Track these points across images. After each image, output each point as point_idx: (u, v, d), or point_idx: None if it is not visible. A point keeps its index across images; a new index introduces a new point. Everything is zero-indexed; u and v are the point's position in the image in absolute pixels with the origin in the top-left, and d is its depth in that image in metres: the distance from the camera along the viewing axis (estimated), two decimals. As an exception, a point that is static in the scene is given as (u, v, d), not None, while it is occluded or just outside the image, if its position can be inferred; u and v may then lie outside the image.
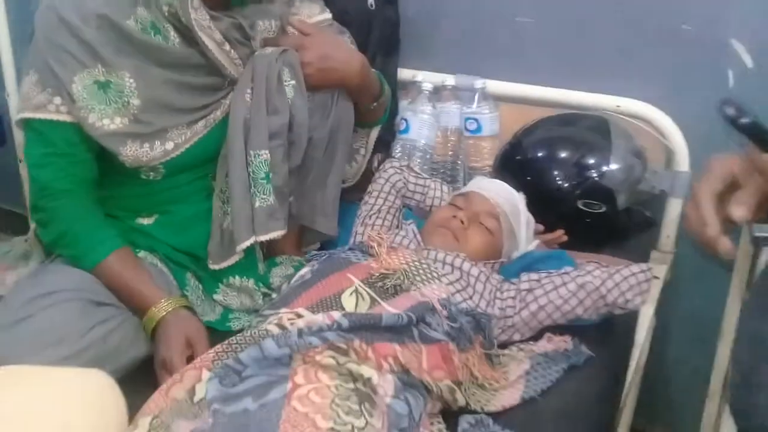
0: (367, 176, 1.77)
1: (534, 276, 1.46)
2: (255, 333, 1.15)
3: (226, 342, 1.16)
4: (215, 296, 1.54)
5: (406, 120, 1.93)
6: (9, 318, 1.29)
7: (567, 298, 1.41)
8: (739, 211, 0.92)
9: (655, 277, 1.52)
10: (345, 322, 1.15)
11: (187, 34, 1.39)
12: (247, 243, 1.45)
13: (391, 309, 1.25)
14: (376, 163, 1.83)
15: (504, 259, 1.57)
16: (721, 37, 1.75)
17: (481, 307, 1.39)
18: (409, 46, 2.01)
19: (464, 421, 1.22)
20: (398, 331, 1.20)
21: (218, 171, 1.50)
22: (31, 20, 1.38)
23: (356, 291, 1.29)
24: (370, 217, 1.65)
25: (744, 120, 0.87)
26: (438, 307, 1.28)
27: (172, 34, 1.40)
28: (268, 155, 1.44)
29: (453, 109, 1.95)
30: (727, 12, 1.74)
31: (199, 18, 1.37)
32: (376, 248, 1.42)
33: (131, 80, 1.36)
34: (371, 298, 1.28)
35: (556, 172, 1.72)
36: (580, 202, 1.68)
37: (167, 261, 1.51)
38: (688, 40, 1.79)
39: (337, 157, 1.59)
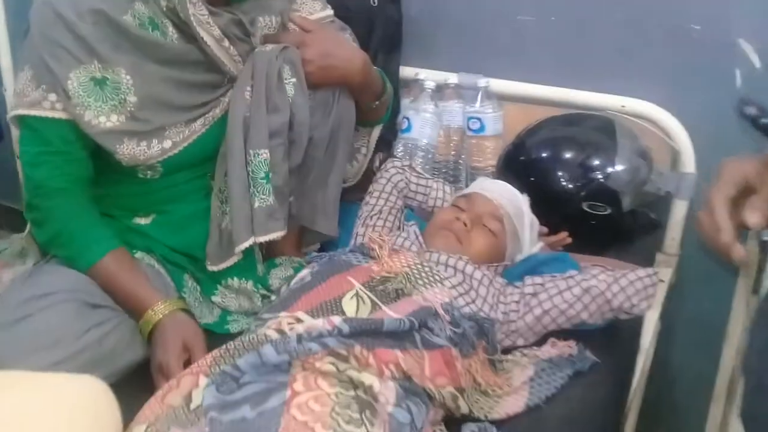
0: (368, 176, 1.75)
1: (538, 280, 1.44)
2: (253, 338, 1.12)
3: (224, 347, 1.13)
4: (213, 298, 1.52)
5: (408, 119, 1.91)
6: (3, 319, 1.27)
7: (572, 302, 1.39)
8: (754, 217, 0.90)
9: (660, 281, 1.50)
10: (346, 328, 1.13)
11: (186, 30, 1.37)
12: (246, 244, 1.43)
13: (392, 314, 1.23)
14: (377, 163, 1.81)
15: (507, 262, 1.55)
16: (729, 36, 1.73)
17: (484, 311, 1.37)
18: (411, 43, 1.99)
19: (467, 429, 1.19)
20: (400, 336, 1.18)
21: (217, 170, 1.48)
22: (28, 15, 1.35)
23: (357, 295, 1.27)
24: (371, 217, 1.63)
25: (766, 119, 0.85)
26: (441, 311, 1.26)
27: (171, 29, 1.38)
28: (268, 154, 1.42)
29: (456, 108, 1.93)
30: (735, 11, 1.73)
31: (198, 13, 1.35)
32: (378, 250, 1.40)
33: (128, 77, 1.34)
34: (372, 302, 1.26)
35: (560, 173, 1.70)
36: (584, 204, 1.67)
37: (164, 262, 1.49)
38: (695, 39, 1.77)
39: (338, 157, 1.57)
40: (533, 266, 1.52)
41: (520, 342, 1.41)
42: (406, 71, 1.99)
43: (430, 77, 1.93)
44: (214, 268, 1.48)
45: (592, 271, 1.43)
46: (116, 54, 1.33)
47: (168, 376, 1.26)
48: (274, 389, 1.05)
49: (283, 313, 1.22)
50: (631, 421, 1.68)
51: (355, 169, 1.72)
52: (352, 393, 1.06)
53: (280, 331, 1.14)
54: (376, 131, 1.71)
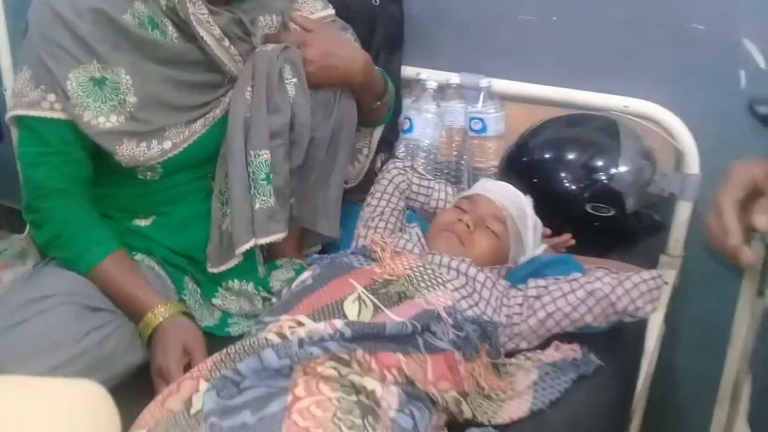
0: (370, 177, 1.74)
1: (542, 282, 1.42)
2: (254, 342, 1.11)
3: (224, 351, 1.12)
4: (214, 300, 1.51)
5: (409, 119, 1.90)
6: (2, 323, 1.26)
7: (576, 305, 1.37)
8: (764, 220, 0.89)
9: (665, 283, 1.48)
10: (348, 332, 1.11)
11: (186, 30, 1.36)
12: (247, 246, 1.42)
13: (395, 317, 1.21)
14: (379, 164, 1.80)
15: (511, 264, 1.53)
16: (733, 36, 1.72)
17: (488, 314, 1.36)
18: (413, 43, 1.98)
19: (470, 434, 1.18)
20: (402, 340, 1.17)
21: (217, 171, 1.47)
22: (27, 14, 1.34)
23: (359, 298, 1.25)
24: (373, 219, 1.62)
25: None
26: (444, 315, 1.25)
27: (170, 29, 1.37)
28: (269, 155, 1.41)
29: (458, 109, 1.92)
30: (739, 11, 1.71)
31: (197, 12, 1.34)
32: (380, 253, 1.39)
33: (127, 77, 1.33)
34: (374, 305, 1.25)
35: (563, 174, 1.69)
36: (588, 206, 1.65)
37: (164, 264, 1.48)
38: (699, 39, 1.76)
39: (339, 157, 1.56)
40: (537, 268, 1.51)
41: (524, 345, 1.40)
42: (408, 71, 1.97)
43: (431, 77, 1.92)
44: (215, 270, 1.47)
45: (596, 274, 1.42)
46: (116, 54, 1.32)
47: (168, 380, 1.25)
48: (275, 394, 1.04)
49: (284, 317, 1.21)
50: (635, 424, 1.67)
51: (357, 170, 1.71)
52: (354, 398, 1.05)
53: (282, 335, 1.13)
54: (378, 132, 1.70)
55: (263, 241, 1.43)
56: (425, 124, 1.89)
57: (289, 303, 1.27)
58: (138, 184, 1.44)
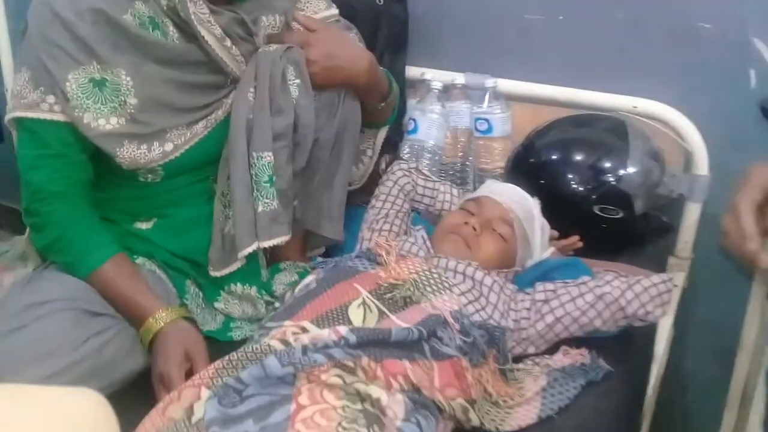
0: (374, 179, 1.72)
1: (550, 286, 1.40)
2: (257, 348, 1.09)
3: (227, 358, 1.10)
4: (216, 304, 1.49)
5: (414, 120, 1.89)
6: (0, 328, 1.25)
7: (585, 309, 1.35)
8: None
9: (674, 285, 1.46)
10: (352, 338, 1.09)
11: (187, 30, 1.35)
12: (250, 249, 1.40)
13: (400, 323, 1.20)
14: (383, 165, 1.79)
15: (518, 268, 1.52)
16: (742, 35, 1.71)
17: (495, 318, 1.34)
18: (417, 43, 1.96)
19: (478, 442, 1.16)
20: (408, 346, 1.15)
21: (219, 173, 1.46)
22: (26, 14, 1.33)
23: (364, 303, 1.23)
24: (378, 221, 1.60)
25: None
26: (450, 320, 1.23)
27: (171, 29, 1.35)
28: (272, 157, 1.39)
29: (463, 109, 1.90)
30: (748, 9, 1.70)
31: (198, 12, 1.33)
32: (385, 256, 1.37)
33: (128, 78, 1.31)
34: (380, 310, 1.23)
35: (571, 176, 1.67)
36: (596, 207, 1.64)
37: (166, 267, 1.47)
38: (708, 38, 1.74)
39: (343, 159, 1.55)
40: (544, 272, 1.50)
41: (531, 350, 1.38)
42: (412, 71, 1.96)
43: (436, 77, 1.91)
44: (217, 274, 1.46)
45: (606, 277, 1.40)
46: (116, 54, 1.30)
47: (169, 386, 1.23)
48: (278, 402, 1.02)
49: (287, 322, 1.19)
50: (644, 427, 1.65)
51: (361, 172, 1.70)
52: (359, 406, 1.03)
53: (285, 342, 1.11)
54: (382, 133, 1.68)
55: (266, 244, 1.41)
56: (430, 124, 1.87)
57: (293, 308, 1.25)
58: (139, 187, 1.42)
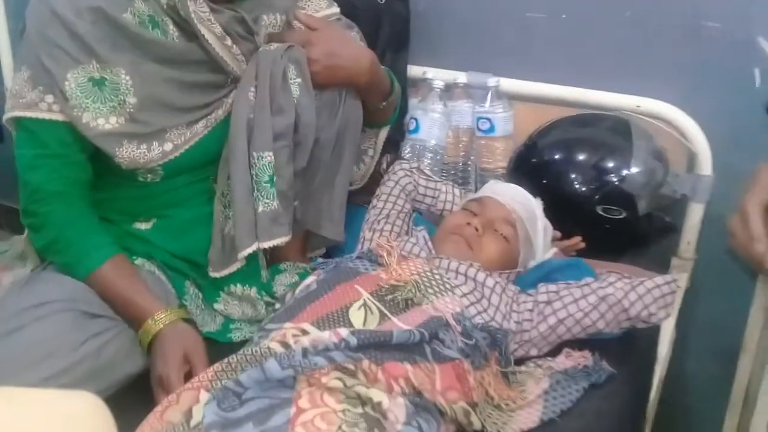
0: (375, 178, 1.71)
1: (552, 287, 1.39)
2: (257, 351, 1.08)
3: (226, 360, 1.09)
4: (216, 305, 1.48)
5: (415, 119, 1.88)
6: (-2, 330, 1.24)
7: (588, 311, 1.34)
8: None
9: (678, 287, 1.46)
10: (353, 341, 1.08)
11: (187, 28, 1.34)
12: (250, 249, 1.39)
13: (402, 325, 1.19)
14: (384, 165, 1.78)
15: (520, 269, 1.51)
16: (747, 34, 1.69)
17: (497, 320, 1.33)
18: (419, 41, 1.95)
19: (479, 445, 1.15)
20: (409, 349, 1.14)
21: (219, 173, 1.45)
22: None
23: (365, 305, 1.23)
24: (379, 222, 1.59)
25: None
26: (452, 322, 1.22)
27: (171, 28, 1.34)
28: (272, 157, 1.38)
29: (465, 108, 1.89)
30: (753, 8, 1.69)
31: (198, 10, 1.32)
32: (386, 257, 1.36)
33: (127, 77, 1.30)
34: (381, 312, 1.22)
35: (573, 176, 1.66)
36: (599, 208, 1.63)
37: (165, 268, 1.46)
38: (712, 37, 1.74)
39: (344, 159, 1.54)
40: (547, 273, 1.48)
41: (533, 352, 1.37)
42: (414, 70, 1.95)
43: (438, 76, 1.90)
44: (217, 275, 1.45)
45: (609, 279, 1.39)
46: (115, 54, 1.30)
47: (168, 389, 1.22)
48: (278, 406, 1.02)
49: (287, 324, 1.18)
50: (646, 430, 1.64)
51: (362, 172, 1.69)
52: (359, 410, 1.02)
53: (285, 344, 1.10)
54: (384, 132, 1.67)
55: (266, 244, 1.40)
56: (432, 124, 1.86)
57: (293, 310, 1.24)
58: (138, 187, 1.41)
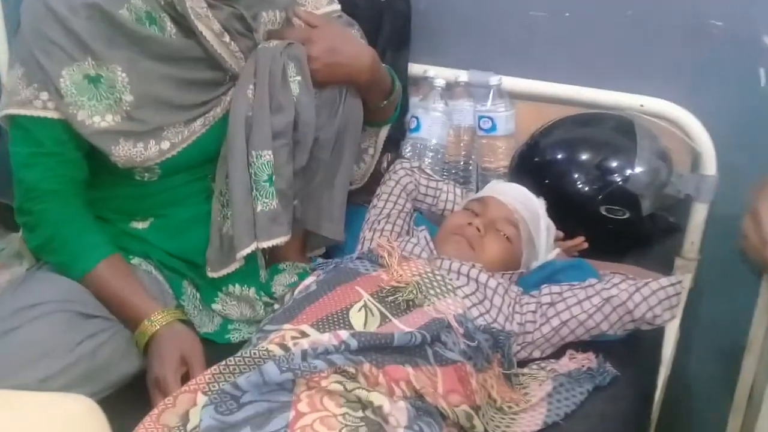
0: (376, 178, 1.70)
1: (555, 288, 1.38)
2: (255, 353, 1.07)
3: (224, 363, 1.08)
4: (214, 306, 1.47)
5: (416, 118, 1.87)
6: (-8, 331, 1.23)
7: (591, 312, 1.33)
8: None
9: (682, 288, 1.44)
10: (354, 343, 1.07)
11: (185, 25, 1.33)
12: (248, 249, 1.38)
13: (403, 327, 1.18)
14: (385, 164, 1.77)
15: (523, 270, 1.49)
16: (752, 33, 1.69)
17: (499, 322, 1.31)
18: (420, 39, 1.94)
19: (482, 449, 1.14)
20: (411, 351, 1.13)
21: (218, 172, 1.44)
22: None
23: (365, 306, 1.21)
24: (379, 221, 1.58)
25: None
26: (454, 324, 1.21)
27: (169, 24, 1.33)
28: (271, 156, 1.37)
29: (466, 107, 1.88)
30: (758, 7, 1.68)
31: (196, 6, 1.31)
32: (387, 258, 1.34)
33: (123, 74, 1.29)
34: (381, 314, 1.21)
35: (576, 176, 1.64)
36: (602, 208, 1.62)
37: (162, 268, 1.44)
38: (717, 36, 1.72)
39: (344, 158, 1.53)
40: (550, 274, 1.47)
41: (537, 354, 1.36)
42: (415, 68, 1.93)
43: (439, 75, 1.88)
44: (215, 275, 1.44)
45: (613, 280, 1.38)
46: (111, 50, 1.28)
47: (165, 391, 1.21)
48: (276, 410, 1.00)
49: (286, 326, 1.17)
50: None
51: (362, 171, 1.68)
52: (360, 414, 1.01)
53: (284, 347, 1.09)
54: (384, 131, 1.66)
55: (265, 244, 1.39)
56: (433, 122, 1.85)
57: (292, 311, 1.23)
58: (135, 186, 1.40)
